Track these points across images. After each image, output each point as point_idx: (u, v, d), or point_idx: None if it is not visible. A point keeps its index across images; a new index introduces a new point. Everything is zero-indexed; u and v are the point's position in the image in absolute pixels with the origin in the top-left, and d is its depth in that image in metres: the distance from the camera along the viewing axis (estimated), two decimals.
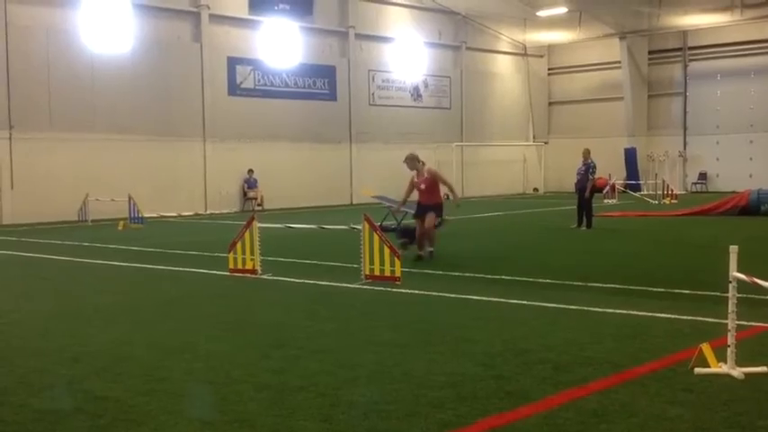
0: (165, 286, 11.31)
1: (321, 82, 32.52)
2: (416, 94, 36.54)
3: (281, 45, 30.62)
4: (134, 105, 26.50)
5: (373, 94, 34.67)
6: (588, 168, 18.70)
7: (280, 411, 5.16)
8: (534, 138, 42.42)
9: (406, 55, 35.70)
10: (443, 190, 13.62)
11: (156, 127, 27.11)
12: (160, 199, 26.09)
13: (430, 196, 13.03)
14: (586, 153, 18.92)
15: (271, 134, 30.32)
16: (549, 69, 43.64)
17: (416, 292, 9.92)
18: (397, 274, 10.55)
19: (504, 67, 41.45)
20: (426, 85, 36.94)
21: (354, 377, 5.95)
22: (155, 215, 24.45)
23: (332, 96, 32.87)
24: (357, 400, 5.37)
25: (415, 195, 13.49)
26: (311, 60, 31.94)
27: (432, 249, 13.04)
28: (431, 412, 5.06)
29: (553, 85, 43.79)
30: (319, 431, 4.77)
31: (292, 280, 11.23)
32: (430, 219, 12.87)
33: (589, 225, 18.56)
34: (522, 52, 42.03)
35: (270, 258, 12.51)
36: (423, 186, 13.02)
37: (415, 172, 13.11)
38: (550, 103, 43.75)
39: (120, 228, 21.14)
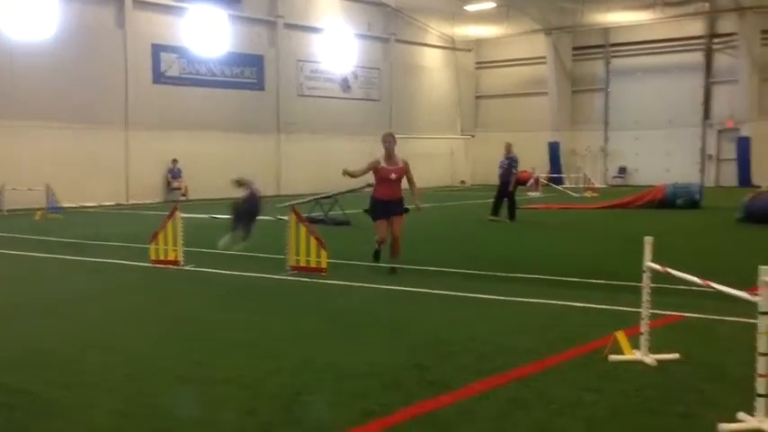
0: (84, 278, 11.04)
1: (249, 71, 32.16)
2: (345, 85, 36.50)
3: (207, 33, 30.16)
4: (54, 92, 25.72)
5: (302, 84, 34.47)
6: (511, 162, 19.01)
7: (201, 404, 5.11)
8: (462, 131, 42.88)
9: (336, 46, 35.60)
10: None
11: (77, 114, 26.36)
12: (80, 188, 25.44)
13: (395, 190, 10.89)
14: (509, 147, 19.21)
15: (196, 123, 29.84)
16: (476, 63, 44.13)
17: (342, 283, 9.93)
18: (323, 265, 10.54)
19: (432, 60, 41.73)
20: (356, 77, 36.93)
21: (278, 368, 5.93)
22: (74, 205, 23.83)
23: (260, 86, 32.56)
24: (281, 391, 5.35)
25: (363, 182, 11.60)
26: (239, 49, 31.54)
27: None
28: (354, 402, 5.08)
29: (481, 79, 44.30)
30: (242, 423, 4.74)
31: (216, 271, 11.10)
32: (400, 224, 10.95)
33: (512, 217, 18.85)
34: (451, 46, 42.40)
35: (193, 249, 12.34)
36: (393, 176, 10.79)
37: (382, 155, 10.78)
38: (478, 97, 44.26)
39: (36, 218, 20.53)
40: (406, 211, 11.10)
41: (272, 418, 4.81)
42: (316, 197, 19.94)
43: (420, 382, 5.50)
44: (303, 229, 10.72)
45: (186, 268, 11.25)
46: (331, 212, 18.68)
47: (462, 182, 42.16)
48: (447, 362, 6.06)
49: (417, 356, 6.20)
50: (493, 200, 19.40)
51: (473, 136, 42.81)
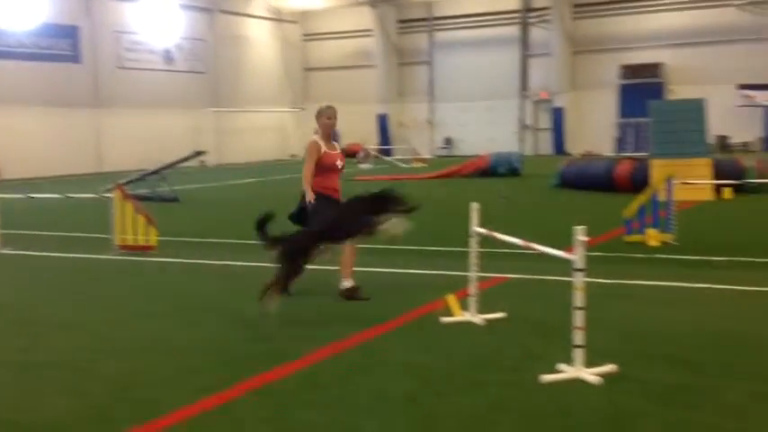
0: None
1: (63, 43, 30.36)
2: (169, 57, 35.27)
3: (17, 3, 28.16)
4: None
5: (121, 56, 32.98)
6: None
7: (26, 388, 4.86)
8: (291, 104, 42.67)
9: (157, 16, 34.28)
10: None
11: None
12: None
13: (337, 181, 7.82)
14: None
15: (6, 98, 27.90)
16: (303, 36, 43.93)
17: (174, 260, 9.69)
18: (152, 243, 10.23)
19: (259, 32, 41.11)
20: (180, 49, 35.77)
21: (111, 350, 5.73)
22: None
23: (75, 59, 30.84)
24: (114, 372, 5.18)
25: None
26: (52, 20, 29.70)
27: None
28: (190, 379, 5.00)
29: (309, 52, 44.17)
30: (72, 406, 4.55)
31: (39, 254, 10.51)
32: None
33: None
34: (277, 17, 41.94)
35: (11, 231, 11.59)
36: (340, 164, 7.80)
37: (319, 135, 7.73)
38: (306, 70, 44.14)
39: None
40: None
41: (106, 400, 4.65)
42: (143, 174, 19.24)
43: (258, 355, 5.48)
44: (129, 207, 10.34)
45: (4, 252, 10.57)
46: (158, 189, 18.12)
47: (293, 155, 42.04)
48: (284, 333, 6.08)
49: (253, 330, 6.18)
50: None
51: (303, 109, 42.70)
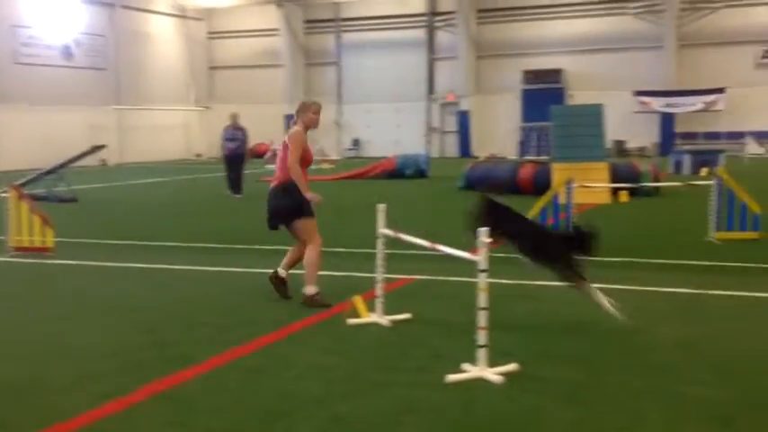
0: None
1: None
2: (68, 53, 34.15)
3: None
4: None
5: (17, 51, 31.73)
6: (245, 133, 18.36)
7: None
8: (196, 102, 41.96)
9: (55, 11, 33.15)
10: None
11: None
12: None
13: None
14: (236, 116, 18.30)
15: None
16: (209, 33, 43.28)
17: (73, 262, 9.39)
18: (49, 244, 9.88)
19: (162, 28, 40.24)
20: (79, 44, 34.67)
21: (8, 355, 5.54)
22: None
23: None
24: (12, 378, 4.99)
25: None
26: None
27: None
28: (90, 384, 4.86)
29: (214, 50, 43.54)
30: None
31: None
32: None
33: (241, 191, 18.05)
34: (181, 14, 41.17)
35: None
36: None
37: (302, 132, 7.10)
38: (212, 68, 43.49)
39: None
40: None
41: (3, 407, 4.48)
42: (39, 174, 18.54)
43: (160, 359, 5.37)
44: (25, 207, 9.96)
45: None
46: (55, 189, 17.51)
47: (198, 155, 41.33)
48: (187, 337, 5.97)
49: (156, 334, 6.05)
50: (230, 175, 18.14)
51: (208, 108, 42.05)
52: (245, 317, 6.57)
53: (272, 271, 7.23)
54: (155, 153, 37.57)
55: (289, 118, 42.46)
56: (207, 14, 42.64)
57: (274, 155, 32.31)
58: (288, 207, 6.90)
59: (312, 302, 6.87)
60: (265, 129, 37.17)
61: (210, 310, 6.81)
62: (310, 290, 6.93)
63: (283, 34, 40.29)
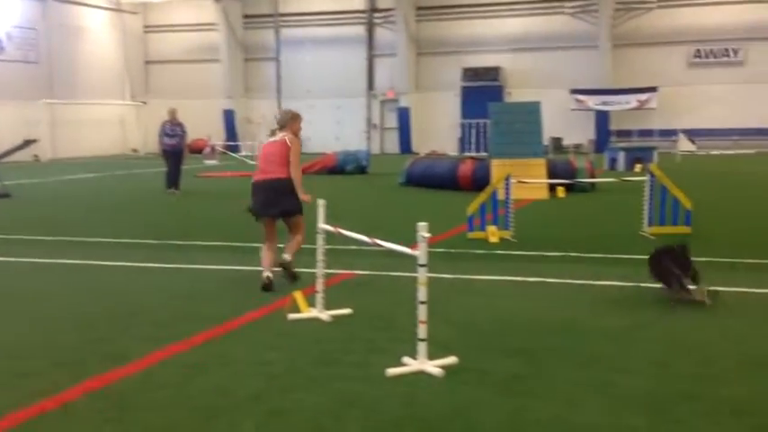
0: None
1: None
2: None
3: None
4: None
5: None
6: (183, 128, 18.09)
7: None
8: (132, 97, 41.22)
9: None
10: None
11: None
12: None
13: None
14: (174, 112, 17.98)
15: None
16: (145, 27, 42.55)
17: (5, 259, 9.14)
18: None
19: (97, 22, 39.41)
20: (10, 38, 33.73)
21: None
22: None
23: None
24: None
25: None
26: None
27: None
28: (23, 383, 4.75)
29: (150, 44, 42.82)
30: None
31: None
32: None
33: (178, 186, 17.86)
34: (116, 8, 40.37)
35: None
36: None
37: (298, 139, 8.11)
38: (148, 63, 42.77)
39: None
40: None
41: None
42: None
43: (96, 357, 5.27)
44: None
45: None
46: None
47: (134, 150, 40.62)
48: (123, 334, 5.87)
49: (92, 331, 5.93)
50: (169, 170, 17.79)
51: (145, 103, 41.35)
52: (184, 313, 6.49)
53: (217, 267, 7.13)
54: (89, 148, 36.79)
55: (227, 113, 42.10)
56: (143, 8, 41.91)
57: (213, 150, 31.99)
58: (295, 204, 7.70)
59: (289, 267, 7.56)
60: (204, 124, 36.77)
61: (148, 307, 6.71)
62: (289, 257, 7.61)
63: (221, 29, 39.83)
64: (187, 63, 41.62)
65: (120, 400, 4.46)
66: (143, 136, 40.94)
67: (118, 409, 4.32)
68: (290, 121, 7.99)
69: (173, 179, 17.81)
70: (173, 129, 17.79)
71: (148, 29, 42.60)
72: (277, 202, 7.65)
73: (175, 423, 4.15)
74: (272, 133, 8.14)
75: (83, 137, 36.90)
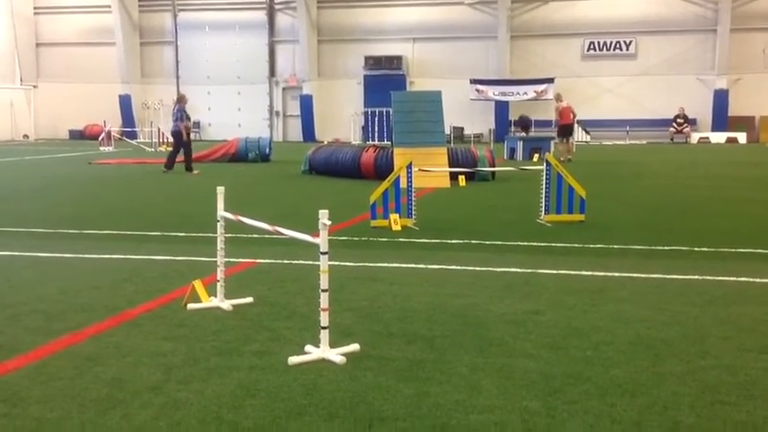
0: None
1: None
2: None
3: None
4: None
5: None
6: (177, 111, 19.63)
7: None
8: (22, 81, 39.52)
9: None
10: None
11: None
12: None
13: None
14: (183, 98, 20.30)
15: None
16: (35, 9, 40.83)
17: None
18: None
19: None
20: None
21: None
22: None
23: None
24: None
25: None
26: None
27: None
28: None
29: (41, 26, 41.13)
30: None
31: None
32: None
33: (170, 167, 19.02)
34: None
35: None
36: None
37: None
38: (39, 45, 41.09)
39: None
40: None
41: None
42: None
43: None
44: None
45: None
46: None
47: (25, 136, 39.01)
48: (13, 326, 5.63)
49: None
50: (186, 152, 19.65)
51: (36, 87, 39.74)
52: (78, 304, 6.28)
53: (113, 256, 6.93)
54: None
55: (123, 99, 41.08)
56: None
57: (109, 136, 31.04)
58: None
59: None
60: (99, 110, 35.66)
61: (39, 298, 6.45)
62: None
63: (115, 11, 38.62)
64: (80, 46, 40.23)
65: (9, 394, 4.28)
66: (35, 121, 39.40)
67: (8, 404, 4.14)
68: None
69: (188, 160, 19.63)
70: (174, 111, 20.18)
71: (39, 10, 40.91)
72: None
73: (69, 416, 4.01)
74: None
75: None
